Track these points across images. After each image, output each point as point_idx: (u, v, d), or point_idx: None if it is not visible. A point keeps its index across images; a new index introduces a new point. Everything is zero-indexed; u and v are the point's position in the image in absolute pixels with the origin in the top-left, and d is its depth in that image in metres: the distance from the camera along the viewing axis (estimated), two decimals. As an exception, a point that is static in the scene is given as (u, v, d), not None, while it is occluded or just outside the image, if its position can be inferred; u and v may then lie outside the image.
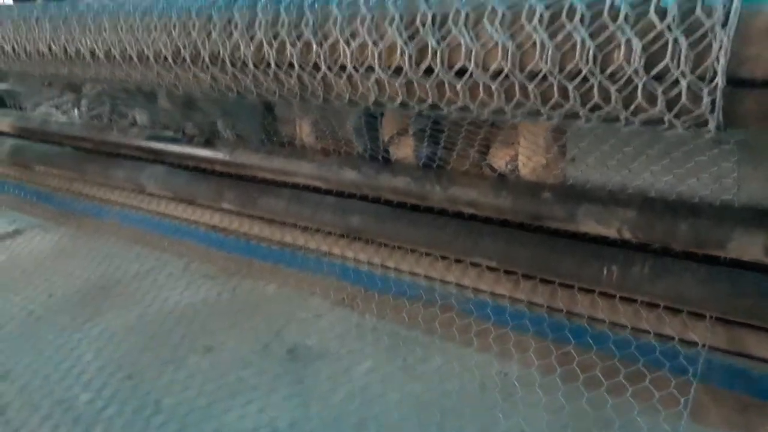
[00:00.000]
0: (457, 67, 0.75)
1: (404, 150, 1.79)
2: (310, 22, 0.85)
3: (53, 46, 1.13)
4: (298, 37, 0.86)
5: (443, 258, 1.48)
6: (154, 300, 1.90)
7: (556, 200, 1.13)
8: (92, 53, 1.08)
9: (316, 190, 1.79)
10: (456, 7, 0.75)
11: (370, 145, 1.76)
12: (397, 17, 0.78)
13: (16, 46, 1.22)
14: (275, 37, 0.87)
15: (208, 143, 2.07)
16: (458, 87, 0.76)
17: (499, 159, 1.60)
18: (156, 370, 1.55)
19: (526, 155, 1.55)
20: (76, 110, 2.90)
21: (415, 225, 1.49)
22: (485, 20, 0.73)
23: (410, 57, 0.77)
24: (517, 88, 0.73)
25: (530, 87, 0.72)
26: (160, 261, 2.13)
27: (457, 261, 1.46)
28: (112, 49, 1.03)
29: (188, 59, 0.96)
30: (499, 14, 0.72)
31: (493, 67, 0.73)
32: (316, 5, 0.87)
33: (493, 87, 0.74)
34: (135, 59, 1.02)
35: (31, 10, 1.23)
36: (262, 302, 1.82)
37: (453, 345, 1.47)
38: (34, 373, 1.58)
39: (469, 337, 1.45)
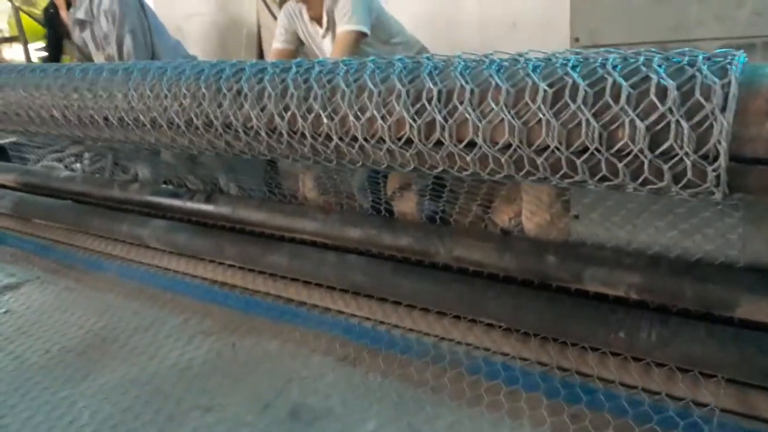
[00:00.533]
0: (465, 141, 0.77)
1: (407, 204, 1.81)
2: (319, 97, 0.87)
3: (66, 113, 1.16)
4: (308, 111, 0.88)
5: (449, 315, 1.47)
6: (153, 356, 1.87)
7: (560, 263, 1.14)
8: (106, 119, 1.10)
9: (319, 245, 1.80)
10: (460, 84, 0.77)
11: (372, 199, 1.78)
12: (403, 93, 0.81)
13: (30, 112, 1.25)
14: (285, 110, 0.89)
15: (209, 199, 2.09)
16: (468, 159, 0.78)
17: (503, 215, 1.62)
18: (155, 429, 1.52)
19: (529, 210, 1.57)
20: (78, 164, 2.94)
21: (419, 282, 1.48)
22: (489, 98, 0.75)
23: (419, 131, 0.79)
24: (526, 160, 0.75)
25: (539, 160, 0.74)
26: (160, 316, 2.10)
27: (463, 318, 1.45)
28: (125, 117, 1.06)
29: (201, 128, 0.98)
30: (503, 92, 0.75)
31: (501, 142, 0.75)
32: (322, 78, 0.90)
33: (503, 159, 0.76)
34: (148, 126, 1.05)
35: (42, 77, 1.26)
36: (263, 359, 1.79)
37: (462, 403, 1.45)
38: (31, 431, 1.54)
39: (479, 395, 1.43)
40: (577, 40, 1.48)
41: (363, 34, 1.92)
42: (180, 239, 2.10)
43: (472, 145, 0.76)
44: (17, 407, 1.65)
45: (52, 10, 2.65)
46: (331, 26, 2.02)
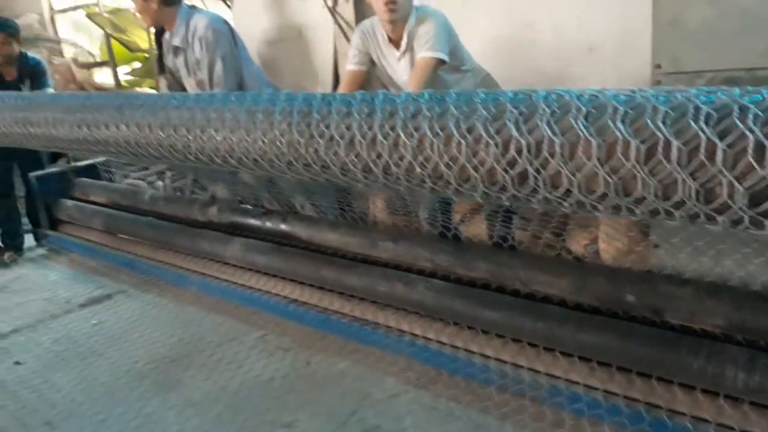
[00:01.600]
0: (561, 190, 0.78)
1: (476, 229, 1.82)
2: (408, 147, 0.91)
3: (171, 149, 1.27)
4: (400, 159, 0.93)
5: (524, 343, 1.48)
6: (237, 369, 1.96)
7: (640, 303, 1.13)
8: (210, 157, 1.20)
9: (391, 267, 1.84)
10: (548, 136, 0.79)
11: (442, 223, 1.80)
12: (492, 145, 0.83)
13: (129, 147, 1.38)
14: (378, 157, 0.95)
15: (286, 220, 2.19)
16: (566, 203, 0.80)
17: (578, 242, 1.60)
18: (241, 440, 1.60)
19: (606, 235, 1.54)
20: (161, 182, 3.13)
21: (493, 310, 1.50)
22: (581, 152, 0.77)
23: (512, 180, 0.82)
24: (623, 207, 0.77)
25: (637, 209, 0.75)
26: (238, 331, 2.20)
27: (540, 347, 1.45)
28: (228, 156, 1.14)
29: (301, 168, 1.05)
30: (594, 146, 0.76)
31: (598, 192, 0.76)
32: (408, 125, 0.94)
33: (600, 206, 0.78)
34: (251, 163, 1.13)
35: (135, 113, 1.38)
36: (337, 378, 1.84)
37: (543, 425, 1.44)
38: (121, 442, 1.65)
39: (560, 418, 1.43)
40: (658, 66, 1.45)
41: (442, 62, 1.97)
42: (257, 258, 2.21)
43: (568, 193, 0.78)
44: (107, 420, 1.78)
45: (157, 30, 2.82)
46: (409, 50, 2.07)
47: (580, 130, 0.77)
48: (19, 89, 3.33)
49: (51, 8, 4.95)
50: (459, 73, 2.09)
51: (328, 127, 1.02)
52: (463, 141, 0.84)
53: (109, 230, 2.98)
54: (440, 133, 0.88)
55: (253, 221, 2.33)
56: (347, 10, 2.96)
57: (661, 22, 1.40)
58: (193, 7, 2.61)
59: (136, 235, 2.83)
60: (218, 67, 2.43)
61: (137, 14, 2.67)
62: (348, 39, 2.89)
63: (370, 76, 2.26)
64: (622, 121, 0.76)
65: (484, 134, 0.83)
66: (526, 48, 2.45)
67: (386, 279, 1.81)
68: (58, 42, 4.68)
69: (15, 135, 1.89)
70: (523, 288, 1.50)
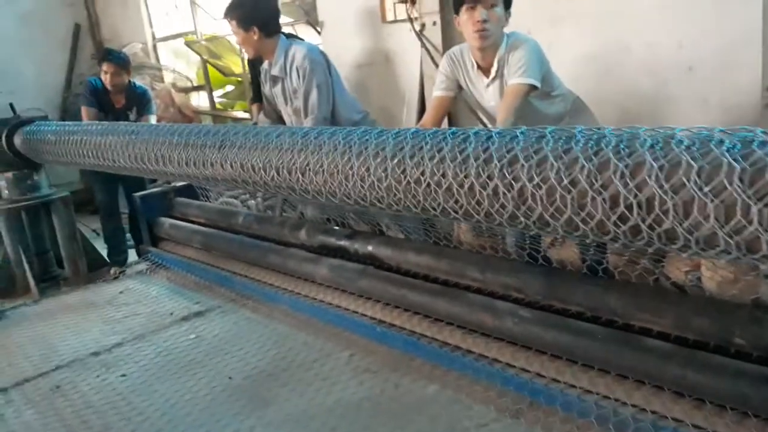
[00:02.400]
0: (679, 244, 0.77)
1: (567, 253, 1.79)
2: (509, 198, 0.93)
3: (277, 188, 1.36)
4: (502, 207, 0.95)
5: (622, 377, 1.44)
6: (328, 391, 2.00)
7: (750, 345, 1.07)
8: (315, 197, 1.28)
9: (481, 292, 1.85)
10: (659, 194, 0.77)
11: (530, 246, 1.78)
12: (599, 200, 0.83)
13: (237, 184, 1.49)
14: (478, 204, 0.97)
15: (371, 241, 2.24)
16: (684, 255, 0.78)
17: (678, 269, 1.53)
18: (337, 464, 1.64)
19: (710, 263, 1.46)
20: (252, 200, 3.29)
21: (587, 341, 1.48)
22: (696, 212, 0.75)
23: (624, 234, 0.81)
24: (747, 262, 0.74)
25: (763, 265, 0.73)
26: (325, 350, 2.26)
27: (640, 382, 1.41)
28: (331, 197, 1.21)
29: (402, 210, 1.10)
30: (711, 208, 0.74)
31: (719, 248, 0.75)
32: (507, 176, 0.95)
33: (723, 259, 0.75)
34: (353, 204, 1.20)
35: (237, 153, 1.48)
36: (424, 403, 1.85)
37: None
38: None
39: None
40: (769, 90, 1.36)
41: (533, 88, 1.97)
42: (344, 282, 2.27)
43: (686, 247, 0.77)
44: (218, 423, 1.88)
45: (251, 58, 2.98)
46: (499, 76, 2.07)
47: (694, 190, 0.75)
48: (127, 116, 3.63)
49: (153, 37, 5.35)
50: (549, 98, 2.07)
51: (423, 173, 1.05)
52: (567, 196, 0.84)
53: (205, 248, 3.16)
54: (542, 184, 0.89)
55: (340, 242, 2.40)
56: (435, 36, 3.01)
57: (773, 42, 1.32)
58: (291, 37, 2.76)
59: (230, 254, 2.99)
60: (313, 95, 2.55)
61: (239, 45, 2.83)
62: (435, 64, 2.92)
63: (457, 100, 2.28)
64: (741, 180, 0.73)
65: (589, 190, 0.82)
66: (619, 67, 2.37)
67: (472, 308, 1.82)
68: (160, 69, 5.05)
69: (130, 168, 2.07)
70: (620, 320, 1.46)
